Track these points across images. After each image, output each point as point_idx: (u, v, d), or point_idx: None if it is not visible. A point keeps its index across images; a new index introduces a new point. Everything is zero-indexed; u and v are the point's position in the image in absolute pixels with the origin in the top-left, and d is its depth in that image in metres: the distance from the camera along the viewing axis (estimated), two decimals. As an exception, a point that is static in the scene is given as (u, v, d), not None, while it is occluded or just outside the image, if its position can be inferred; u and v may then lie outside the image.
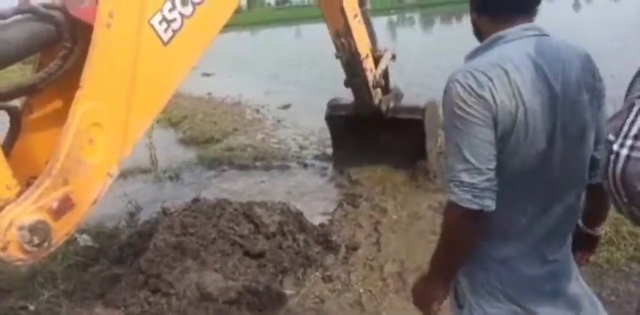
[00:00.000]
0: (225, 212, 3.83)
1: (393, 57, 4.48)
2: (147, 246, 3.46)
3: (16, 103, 1.46)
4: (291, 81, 11.31)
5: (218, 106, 9.42)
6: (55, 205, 1.24)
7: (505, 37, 1.26)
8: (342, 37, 3.83)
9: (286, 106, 8.76)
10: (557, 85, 1.21)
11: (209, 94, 10.52)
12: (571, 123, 1.24)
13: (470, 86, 1.19)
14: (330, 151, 5.85)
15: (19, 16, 1.31)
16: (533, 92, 1.19)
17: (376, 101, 4.26)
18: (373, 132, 4.61)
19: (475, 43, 1.39)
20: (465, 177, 1.19)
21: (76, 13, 1.34)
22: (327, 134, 6.50)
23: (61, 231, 1.29)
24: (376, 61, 4.26)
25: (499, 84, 1.18)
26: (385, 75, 4.38)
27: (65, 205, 1.27)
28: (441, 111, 3.82)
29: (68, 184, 1.27)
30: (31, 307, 2.89)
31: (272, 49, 17.77)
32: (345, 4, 3.63)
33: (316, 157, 5.70)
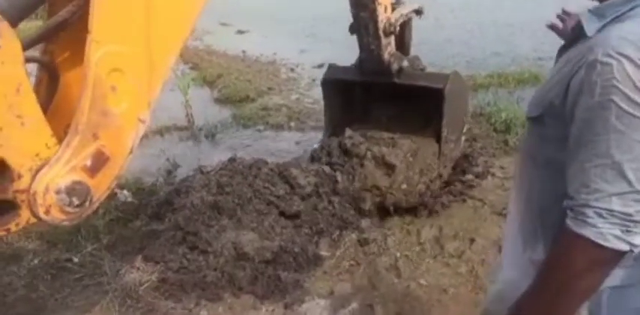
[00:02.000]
0: (260, 172, 3.82)
1: (418, 12, 3.54)
2: (184, 203, 3.50)
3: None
4: (326, 39, 10.99)
5: (253, 65, 9.28)
6: (88, 162, 1.18)
7: None
8: None
9: (321, 66, 8.52)
10: None
11: (243, 52, 10.35)
12: None
13: None
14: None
15: None
16: None
17: (386, 55, 3.29)
18: (379, 104, 3.77)
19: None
20: (617, 204, 0.84)
21: None
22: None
23: (101, 187, 1.24)
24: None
25: None
26: (404, 28, 3.46)
27: (99, 161, 1.21)
28: (462, 87, 3.49)
29: (99, 139, 1.20)
30: (75, 259, 3.00)
31: (308, 5, 17.25)
32: None
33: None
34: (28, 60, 1.27)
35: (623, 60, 0.81)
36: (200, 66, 9.28)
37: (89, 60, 1.17)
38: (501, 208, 3.19)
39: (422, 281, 2.63)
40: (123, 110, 1.26)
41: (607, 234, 0.84)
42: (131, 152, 1.31)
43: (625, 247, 0.85)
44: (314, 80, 7.63)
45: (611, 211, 0.84)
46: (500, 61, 7.43)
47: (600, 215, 0.84)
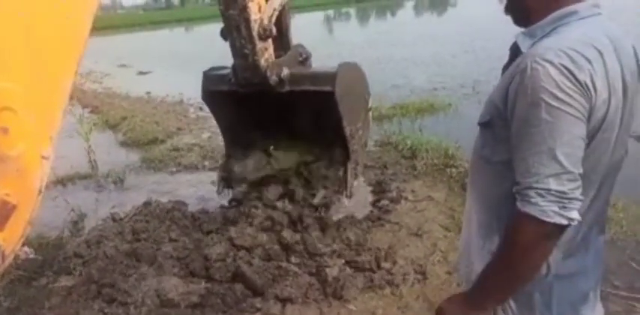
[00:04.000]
0: (179, 215, 3.72)
1: None
2: (96, 254, 3.29)
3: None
4: (232, 78, 11.09)
5: (159, 106, 9.09)
6: None
7: (579, 13, 1.08)
8: None
9: (230, 103, 8.58)
10: (627, 74, 1.07)
11: (148, 93, 10.12)
12: (630, 114, 1.12)
13: (567, 68, 0.97)
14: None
15: None
16: (618, 81, 1.04)
17: (262, 62, 2.85)
18: (270, 111, 3.37)
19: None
20: (553, 183, 0.98)
21: None
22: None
23: (13, 238, 1.12)
24: None
25: (598, 68, 1.00)
26: (280, 20, 3.06)
27: (5, 211, 1.10)
28: (359, 75, 3.32)
29: None
30: (-28, 330, 2.66)
31: (209, 45, 17.27)
32: None
33: (266, 154, 5.61)
34: None
35: (547, 65, 0.98)
36: (101, 109, 8.89)
37: None
38: (416, 229, 3.38)
39: (351, 307, 2.68)
40: (21, 152, 1.14)
41: (548, 210, 0.98)
42: (41, 192, 1.19)
43: (564, 221, 0.98)
44: (224, 118, 7.63)
45: (549, 190, 0.98)
46: (400, 93, 7.98)
47: (540, 195, 0.98)
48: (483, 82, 7.90)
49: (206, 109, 8.39)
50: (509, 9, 1.21)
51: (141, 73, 12.49)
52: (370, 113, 3.51)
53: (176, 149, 6.00)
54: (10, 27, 1.13)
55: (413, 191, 3.97)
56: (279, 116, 3.45)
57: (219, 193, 3.73)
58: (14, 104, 1.12)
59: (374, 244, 3.18)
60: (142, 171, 5.45)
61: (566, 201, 0.98)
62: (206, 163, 5.51)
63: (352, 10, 40.04)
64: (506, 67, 1.16)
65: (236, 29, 2.78)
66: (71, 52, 1.31)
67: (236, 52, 2.88)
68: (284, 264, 3.01)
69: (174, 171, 5.37)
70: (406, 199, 3.84)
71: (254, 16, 2.76)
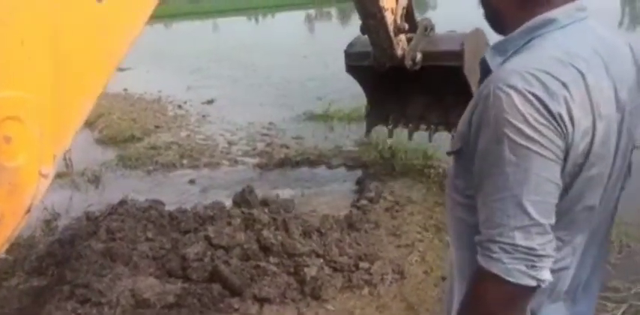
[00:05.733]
0: (155, 214, 3.67)
1: None
2: (70, 254, 3.23)
3: None
4: (213, 76, 11.00)
5: (136, 103, 8.94)
6: None
7: (558, 20, 0.89)
8: None
9: (210, 101, 8.51)
10: (623, 90, 0.90)
11: (125, 90, 9.94)
12: (629, 137, 0.95)
13: (536, 97, 0.80)
14: (260, 145, 5.80)
15: None
16: (608, 102, 0.87)
17: (399, 52, 3.43)
18: (405, 86, 3.89)
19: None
20: (520, 238, 0.81)
21: None
22: (256, 129, 6.50)
23: None
24: None
25: (576, 93, 0.82)
26: (409, 11, 3.52)
27: None
28: (482, 40, 3.51)
29: None
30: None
31: (190, 42, 17.15)
32: None
33: (246, 153, 5.59)
34: None
35: (512, 92, 0.81)
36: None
37: None
38: (395, 229, 3.40)
39: (329, 306, 2.68)
40: (20, 164, 1.07)
41: (512, 270, 0.81)
42: (28, 211, 1.18)
43: (532, 283, 0.82)
44: (204, 116, 7.56)
45: (515, 245, 0.82)
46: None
47: (505, 250, 0.82)
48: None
49: (185, 106, 8.37)
50: (486, 17, 1.05)
51: (119, 69, 12.27)
52: None
53: (154, 147, 5.92)
54: (34, 32, 1.08)
55: (392, 191, 4.00)
56: (414, 81, 3.85)
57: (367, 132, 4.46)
58: (23, 114, 1.07)
59: (353, 244, 3.18)
60: (118, 169, 5.36)
61: (535, 259, 0.82)
62: (184, 161, 5.44)
63: (333, 10, 40.10)
64: (479, 85, 0.99)
65: (375, 33, 3.35)
66: (100, 70, 1.23)
67: (375, 46, 3.44)
68: (262, 264, 3.00)
69: (151, 170, 5.29)
70: (385, 199, 3.87)
71: (389, 20, 3.28)
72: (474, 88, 3.41)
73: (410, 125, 4.21)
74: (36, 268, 3.18)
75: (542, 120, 0.80)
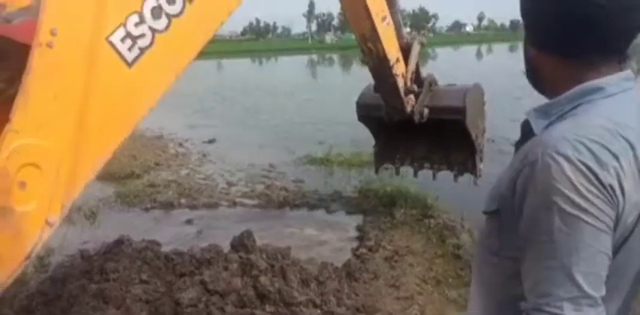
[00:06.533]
0: (151, 255, 3.61)
1: (422, 44, 3.83)
2: (61, 294, 3.14)
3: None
4: (215, 115, 11.16)
5: (137, 140, 8.98)
6: None
7: (606, 89, 0.90)
8: (369, 42, 3.34)
9: (211, 141, 8.59)
10: None
11: (127, 126, 10.04)
12: None
13: (587, 167, 0.79)
14: (259, 187, 5.80)
15: None
16: None
17: (408, 108, 3.74)
18: (411, 132, 4.13)
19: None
20: (569, 309, 0.79)
21: (4, 32, 1.14)
22: (256, 170, 6.52)
23: None
24: (404, 50, 3.64)
25: (626, 164, 0.82)
26: (416, 72, 3.83)
27: None
28: (479, 94, 4.00)
29: None
30: None
31: (194, 81, 17.49)
32: (371, 7, 3.13)
33: (245, 195, 5.58)
34: None
35: (562, 160, 0.80)
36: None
37: (0, 152, 1.06)
38: (394, 280, 3.35)
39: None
40: (29, 210, 1.13)
41: None
42: (28, 258, 1.15)
43: None
44: (204, 155, 7.60)
45: None
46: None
47: None
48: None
49: (186, 145, 8.43)
50: (527, 75, 1.04)
51: (122, 105, 12.47)
52: (485, 110, 4.23)
53: (152, 185, 5.91)
54: (67, 90, 1.17)
55: (391, 240, 3.97)
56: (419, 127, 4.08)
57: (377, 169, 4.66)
58: (42, 162, 1.13)
59: (351, 294, 3.13)
60: (115, 206, 5.32)
61: None
62: (182, 200, 5.42)
63: (335, 56, 41.29)
64: (518, 145, 0.99)
65: (387, 93, 3.69)
66: (119, 130, 1.33)
67: (387, 104, 3.79)
68: (258, 312, 2.92)
69: (149, 207, 5.26)
70: (384, 248, 3.83)
71: (400, 84, 3.59)
72: (473, 135, 3.88)
73: (415, 164, 4.41)
74: (25, 307, 3.08)
75: (593, 190, 0.79)
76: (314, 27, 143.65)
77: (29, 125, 1.12)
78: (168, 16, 1.37)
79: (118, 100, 1.32)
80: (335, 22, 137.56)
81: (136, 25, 1.30)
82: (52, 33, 1.14)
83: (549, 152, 0.81)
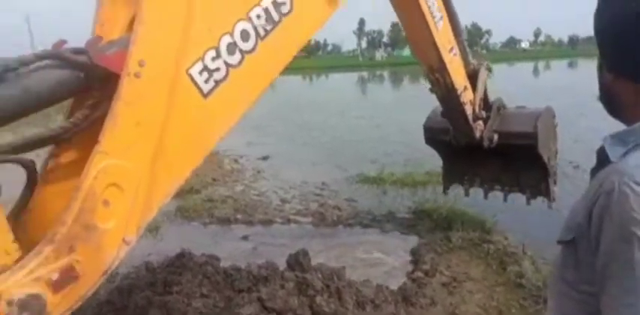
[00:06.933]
0: (211, 270, 3.73)
1: (489, 70, 3.87)
2: (127, 304, 3.30)
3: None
4: (269, 132, 11.41)
5: (195, 155, 9.34)
6: (55, 276, 1.07)
7: None
8: (437, 73, 3.35)
9: (265, 158, 8.79)
10: None
11: (186, 141, 10.46)
12: None
13: None
14: (313, 205, 5.87)
15: (44, 62, 1.20)
16: None
17: (477, 134, 3.74)
18: (481, 153, 4.05)
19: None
20: None
21: (99, 61, 1.22)
22: (309, 188, 6.60)
23: (61, 306, 1.11)
24: (470, 77, 3.67)
25: None
26: (484, 97, 3.83)
27: (68, 277, 1.11)
28: (550, 117, 3.87)
29: (74, 252, 1.12)
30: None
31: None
32: (438, 41, 3.09)
33: (299, 212, 5.65)
34: (9, 161, 1.21)
35: (639, 189, 0.78)
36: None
37: (89, 170, 1.13)
38: (453, 308, 3.28)
39: None
40: (109, 227, 1.19)
41: None
42: (105, 273, 1.22)
43: None
44: (259, 172, 7.78)
45: None
46: (437, 161, 7.99)
47: None
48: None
49: (241, 161, 8.66)
50: (602, 100, 1.02)
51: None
52: (557, 132, 4.16)
53: (210, 200, 6.10)
54: (149, 117, 1.26)
55: (448, 266, 3.90)
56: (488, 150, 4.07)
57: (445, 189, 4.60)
58: (125, 184, 1.21)
59: (408, 319, 3.09)
60: (176, 220, 5.53)
61: None
62: (238, 216, 5.56)
63: (385, 73, 41.27)
64: (594, 172, 0.98)
65: (456, 120, 3.71)
66: (194, 156, 1.41)
67: (455, 129, 3.82)
68: (314, 332, 2.95)
69: (207, 222, 5.43)
70: (441, 273, 3.77)
71: (469, 111, 3.60)
72: (545, 158, 3.78)
73: (485, 185, 4.30)
74: (95, 315, 3.25)
75: None
76: (364, 44, 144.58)
77: (117, 147, 1.20)
78: (242, 52, 1.46)
79: (194, 128, 1.40)
80: (385, 39, 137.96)
81: (213, 59, 1.39)
82: (140, 64, 1.23)
83: (626, 181, 0.79)
